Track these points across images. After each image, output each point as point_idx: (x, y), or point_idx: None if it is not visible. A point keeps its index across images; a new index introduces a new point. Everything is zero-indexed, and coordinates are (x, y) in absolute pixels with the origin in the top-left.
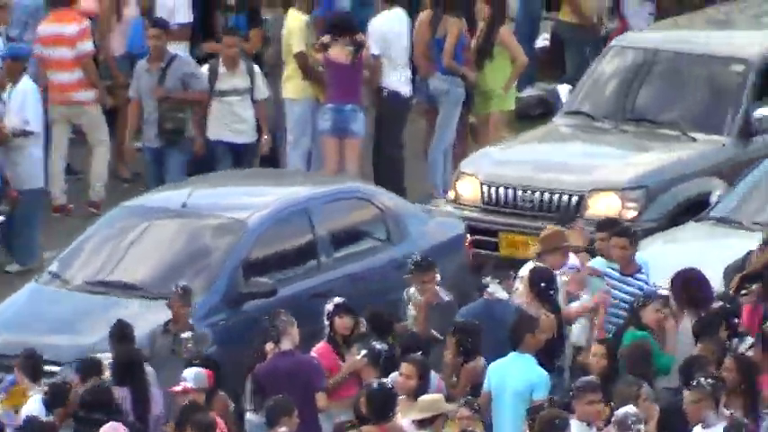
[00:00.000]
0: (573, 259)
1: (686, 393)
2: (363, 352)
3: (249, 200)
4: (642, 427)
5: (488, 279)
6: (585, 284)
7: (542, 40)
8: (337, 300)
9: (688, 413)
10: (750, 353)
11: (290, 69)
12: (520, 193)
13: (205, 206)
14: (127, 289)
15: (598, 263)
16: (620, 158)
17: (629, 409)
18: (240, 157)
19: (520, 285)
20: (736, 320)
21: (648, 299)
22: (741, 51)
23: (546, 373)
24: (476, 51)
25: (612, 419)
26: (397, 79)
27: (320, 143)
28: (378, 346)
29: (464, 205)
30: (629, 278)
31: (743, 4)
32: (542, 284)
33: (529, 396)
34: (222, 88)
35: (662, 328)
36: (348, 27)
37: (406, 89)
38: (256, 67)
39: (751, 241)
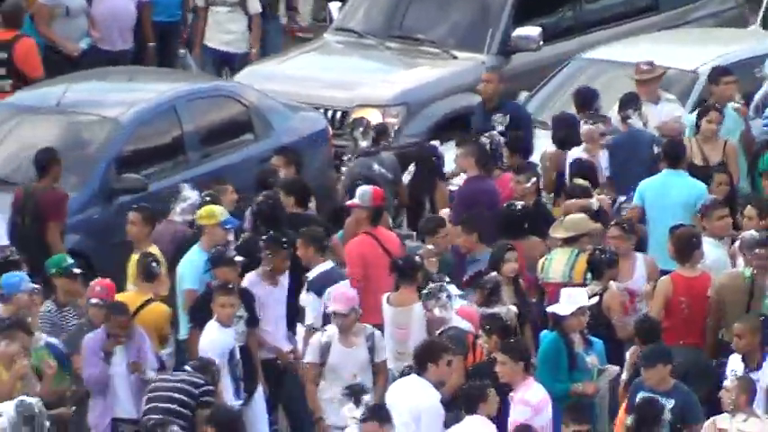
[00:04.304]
0: None
1: None
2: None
3: (120, 98)
4: None
5: (629, 112)
6: None
7: None
8: None
9: None
10: None
11: None
12: None
13: (78, 104)
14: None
15: None
16: (384, 75)
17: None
18: None
19: None
20: None
21: None
22: None
23: (704, 185)
24: None
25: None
26: None
27: None
28: None
29: None
30: None
31: None
32: None
33: (694, 205)
34: None
35: None
36: None
37: None
38: None
39: (543, 141)
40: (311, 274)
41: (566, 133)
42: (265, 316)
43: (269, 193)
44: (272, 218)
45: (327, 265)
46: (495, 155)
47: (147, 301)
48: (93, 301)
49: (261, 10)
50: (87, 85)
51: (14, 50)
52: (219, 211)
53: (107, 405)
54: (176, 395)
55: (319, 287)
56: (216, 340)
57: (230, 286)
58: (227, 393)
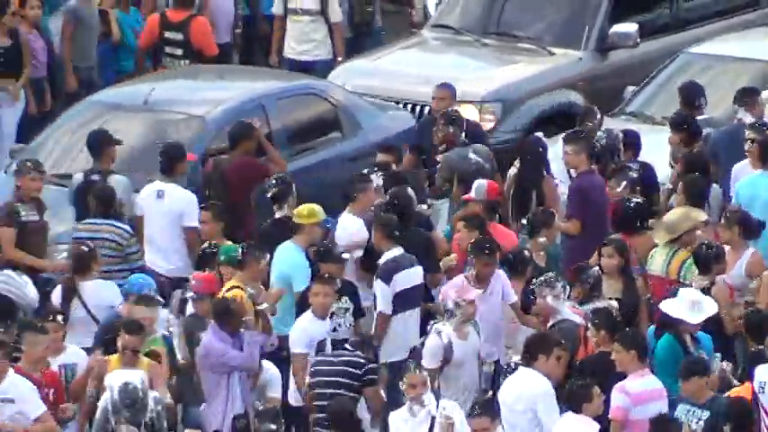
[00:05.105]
0: None
1: None
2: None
3: (207, 96)
4: None
5: (735, 107)
6: None
7: None
8: None
9: None
10: None
11: None
12: None
13: (165, 102)
14: None
15: None
16: (480, 71)
17: None
18: None
19: None
20: None
21: None
22: None
23: None
24: None
25: None
26: None
27: None
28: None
29: None
30: None
31: None
32: None
33: None
34: None
35: None
36: None
37: None
38: None
39: (661, 135)
40: (381, 261)
41: (686, 134)
42: None
43: (396, 190)
44: (399, 215)
45: (397, 251)
46: (612, 150)
47: (229, 288)
48: (190, 294)
49: (341, 18)
50: (175, 83)
51: (190, 30)
52: (319, 211)
53: (226, 403)
54: (342, 379)
55: (387, 274)
56: (307, 329)
57: (326, 276)
58: None
